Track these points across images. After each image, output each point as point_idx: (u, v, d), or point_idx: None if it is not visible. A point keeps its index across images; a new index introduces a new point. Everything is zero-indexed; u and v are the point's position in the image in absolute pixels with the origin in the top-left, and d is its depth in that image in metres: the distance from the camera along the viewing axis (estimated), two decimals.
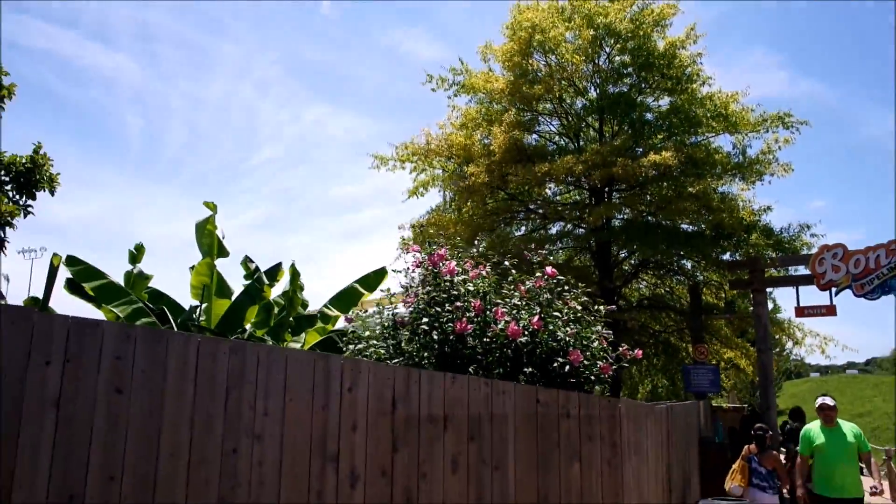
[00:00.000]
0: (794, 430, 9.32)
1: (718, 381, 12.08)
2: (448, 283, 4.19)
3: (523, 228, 15.09)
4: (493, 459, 4.00)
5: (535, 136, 14.32)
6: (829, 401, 6.18)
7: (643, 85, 13.18)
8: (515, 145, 12.17)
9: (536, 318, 4.08)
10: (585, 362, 4.17)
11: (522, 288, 4.44)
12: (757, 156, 12.86)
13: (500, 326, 4.05)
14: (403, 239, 15.31)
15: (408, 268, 4.70)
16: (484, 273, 4.44)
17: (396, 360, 4.12)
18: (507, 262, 4.92)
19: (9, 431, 3.07)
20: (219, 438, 3.47)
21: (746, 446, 7.82)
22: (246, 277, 7.49)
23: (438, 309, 4.07)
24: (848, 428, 6.12)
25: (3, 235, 5.89)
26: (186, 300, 7.92)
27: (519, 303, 4.33)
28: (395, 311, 4.33)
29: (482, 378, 4.00)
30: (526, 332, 4.06)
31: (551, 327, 4.12)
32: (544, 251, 13.23)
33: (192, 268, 8.27)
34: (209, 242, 7.53)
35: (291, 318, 6.37)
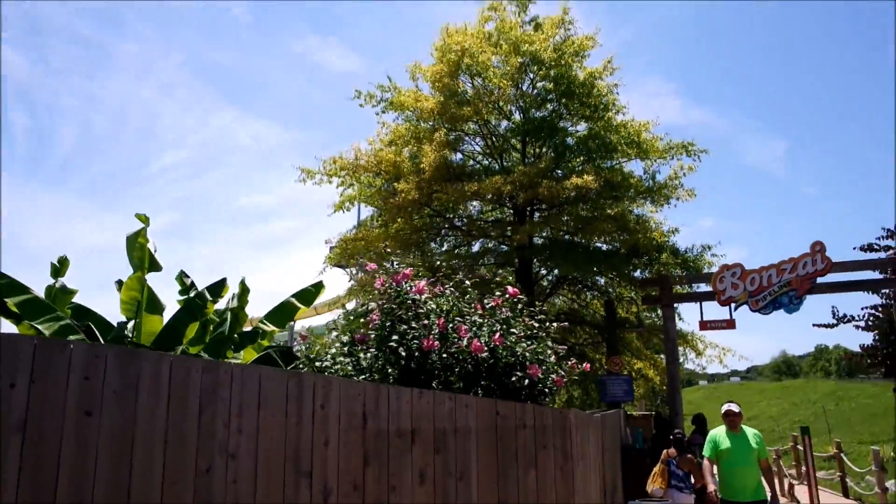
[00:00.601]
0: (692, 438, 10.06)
1: (632, 391, 12.84)
2: (411, 302, 4.35)
3: (445, 245, 15.44)
4: (458, 470, 4.18)
5: (459, 155, 14.74)
6: (734, 407, 6.49)
7: (563, 111, 13.92)
8: (445, 164, 12.51)
9: (497, 334, 4.33)
10: (541, 376, 4.46)
11: (479, 306, 4.69)
12: (665, 181, 13.89)
13: (464, 343, 4.26)
14: (329, 254, 15.24)
15: (354, 287, 4.81)
16: (448, 292, 4.64)
17: (362, 377, 4.23)
18: (467, 281, 5.15)
19: None
20: (192, 457, 3.45)
21: (665, 451, 8.42)
22: (181, 293, 7.26)
23: (405, 327, 4.23)
24: (751, 434, 6.41)
25: None
26: (111, 316, 7.57)
27: (480, 320, 4.56)
28: (352, 329, 4.45)
29: (446, 393, 4.19)
30: (487, 348, 4.29)
31: (510, 343, 4.38)
32: (472, 267, 13.63)
33: (119, 282, 7.93)
34: (140, 256, 7.25)
35: (236, 335, 6.27)
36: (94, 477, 3.22)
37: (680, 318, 13.79)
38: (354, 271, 14.91)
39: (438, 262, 12.37)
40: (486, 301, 4.77)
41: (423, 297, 4.40)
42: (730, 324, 12.21)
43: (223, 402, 3.59)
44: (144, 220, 7.29)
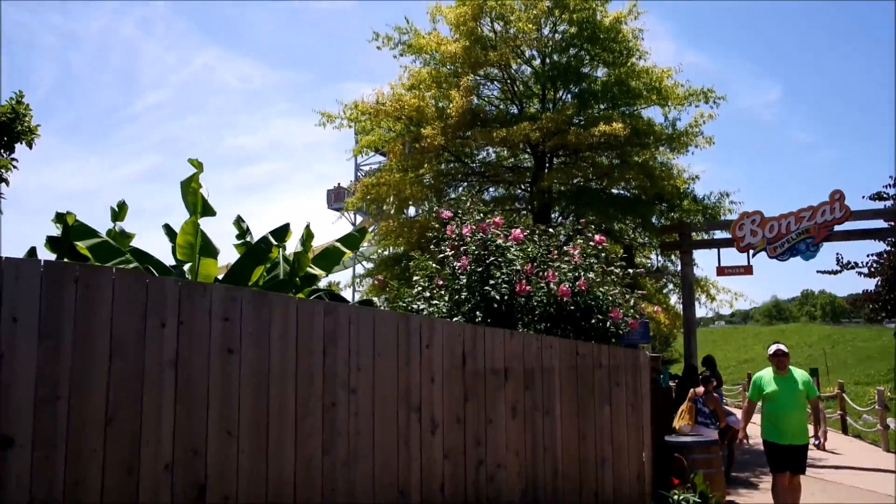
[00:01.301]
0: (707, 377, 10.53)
1: (648, 334, 13.28)
2: (500, 249, 4.56)
3: (460, 190, 15.54)
4: (545, 406, 4.49)
5: (478, 100, 14.67)
6: (783, 347, 6.21)
7: (585, 56, 13.81)
8: (471, 109, 12.48)
9: (581, 280, 4.56)
10: (621, 318, 4.73)
11: (576, 253, 4.90)
12: (685, 128, 13.95)
13: (551, 287, 4.50)
14: (350, 199, 15.32)
15: (453, 235, 5.01)
16: (535, 239, 4.85)
17: (456, 318, 4.48)
18: (551, 229, 5.35)
19: (133, 393, 3.19)
20: (319, 392, 3.72)
21: (692, 389, 8.85)
22: (238, 237, 7.41)
23: (496, 272, 4.45)
24: (799, 375, 6.20)
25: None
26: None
27: (564, 266, 4.79)
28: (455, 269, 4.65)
29: (533, 334, 4.46)
30: (572, 293, 4.53)
31: (595, 289, 4.62)
32: (493, 212, 13.80)
33: (165, 226, 8.07)
34: (194, 201, 7.36)
35: (297, 279, 6.46)
36: (238, 410, 3.48)
37: (695, 264, 14.10)
38: (374, 215, 15.02)
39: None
40: (564, 248, 4.99)
41: (509, 243, 4.61)
42: (747, 269, 12.55)
43: (343, 343, 3.83)
44: (197, 165, 7.36)
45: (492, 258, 4.54)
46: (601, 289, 4.73)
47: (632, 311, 5.04)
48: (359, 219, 45.29)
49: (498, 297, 4.35)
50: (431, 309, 4.50)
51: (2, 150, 5.99)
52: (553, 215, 14.78)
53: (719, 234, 13.92)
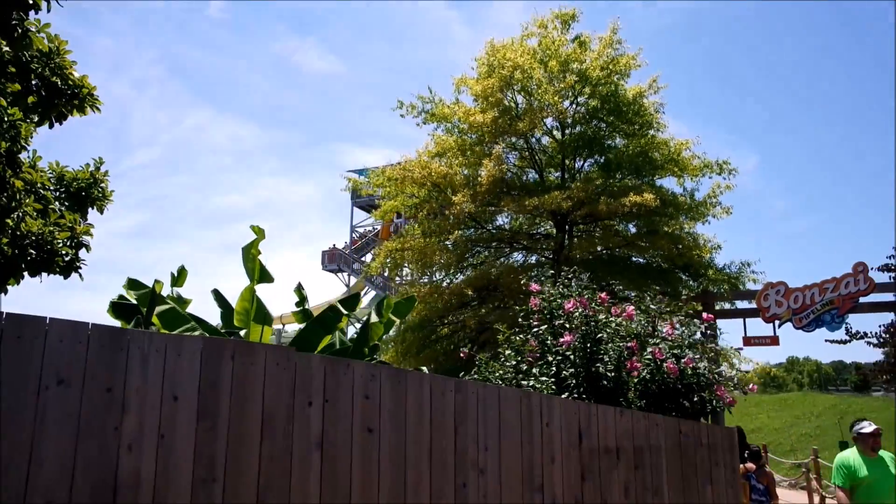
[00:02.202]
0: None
1: None
2: (606, 325, 4.58)
3: (484, 255, 15.66)
4: (653, 485, 4.40)
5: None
6: (878, 427, 5.48)
7: (607, 128, 14.27)
8: (502, 178, 12.74)
9: (688, 357, 4.57)
10: (725, 395, 4.72)
11: (671, 327, 4.93)
12: (704, 198, 14.31)
13: (663, 365, 4.50)
14: (372, 263, 15.36)
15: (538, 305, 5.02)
16: (636, 314, 4.88)
17: (563, 395, 4.44)
18: (653, 306, 5.38)
19: (282, 472, 3.11)
20: (451, 473, 3.63)
21: (742, 465, 8.72)
22: (297, 304, 7.36)
23: (598, 347, 4.45)
24: (888, 458, 5.45)
25: (79, 258, 5.53)
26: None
27: (669, 343, 4.80)
28: (556, 345, 4.65)
29: (641, 412, 4.41)
30: (679, 370, 4.53)
31: (697, 366, 4.63)
32: (518, 278, 13.85)
33: (214, 291, 8.02)
34: (252, 267, 7.37)
35: (366, 349, 6.40)
36: (378, 490, 3.38)
37: (720, 333, 14.16)
38: (398, 279, 15.04)
39: (494, 275, 12.58)
40: (659, 320, 5.01)
41: (611, 319, 4.63)
42: (774, 340, 12.62)
43: (472, 421, 3.77)
44: (258, 231, 7.41)
45: (600, 335, 4.55)
46: (701, 364, 4.74)
47: (732, 387, 5.03)
48: (353, 280, 45.23)
49: (609, 375, 4.33)
50: (539, 386, 4.46)
51: (78, 216, 5.99)
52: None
53: (740, 304, 14.05)
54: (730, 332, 14.38)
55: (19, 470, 2.56)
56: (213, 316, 9.67)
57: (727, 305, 14.06)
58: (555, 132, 14.81)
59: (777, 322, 12.58)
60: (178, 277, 7.18)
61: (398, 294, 14.74)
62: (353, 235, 47.01)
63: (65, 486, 2.62)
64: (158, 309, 6.13)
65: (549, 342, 4.90)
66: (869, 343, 19.29)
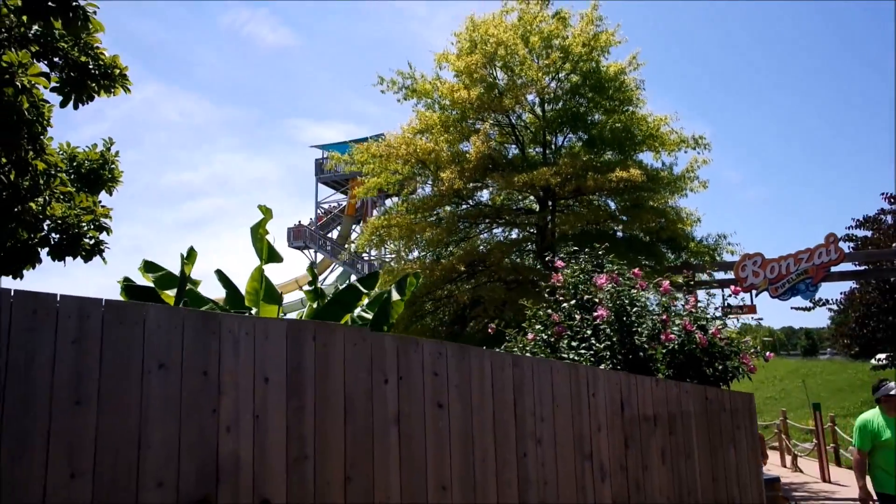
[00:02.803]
0: None
1: None
2: (636, 298, 4.76)
3: (469, 232, 15.76)
4: (685, 450, 4.65)
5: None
6: None
7: (590, 105, 14.44)
8: (489, 154, 12.82)
9: (715, 328, 4.80)
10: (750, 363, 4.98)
11: (694, 299, 5.15)
12: (681, 173, 14.68)
13: (693, 336, 4.72)
14: (358, 239, 15.30)
15: (561, 281, 5.17)
16: (662, 290, 5.07)
17: (601, 366, 4.62)
18: (679, 279, 5.58)
19: (364, 450, 3.21)
20: (513, 444, 3.77)
21: None
22: (310, 283, 7.36)
23: (634, 320, 4.64)
24: None
25: (102, 241, 5.42)
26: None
27: (693, 315, 5.02)
28: (592, 319, 4.81)
29: (672, 380, 4.63)
30: (707, 341, 4.76)
31: (723, 336, 4.87)
32: (506, 254, 14.04)
33: (218, 272, 7.96)
34: (261, 247, 7.36)
35: (385, 327, 6.46)
36: (450, 464, 3.51)
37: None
38: (386, 256, 15.06)
39: (483, 250, 12.73)
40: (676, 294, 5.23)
41: (642, 293, 4.82)
42: (751, 309, 13.14)
43: (528, 394, 3.91)
44: (265, 211, 7.37)
45: (635, 308, 4.73)
46: (724, 333, 4.99)
47: (756, 355, 5.30)
48: (319, 257, 44.81)
49: (646, 347, 4.53)
50: (578, 358, 4.63)
51: (95, 198, 5.87)
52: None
53: (722, 275, 14.55)
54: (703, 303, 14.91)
55: (129, 452, 2.59)
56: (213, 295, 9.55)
57: (704, 277, 14.55)
58: (535, 108, 14.92)
59: (754, 291, 13.11)
60: (188, 259, 7.10)
61: (385, 271, 14.77)
62: (318, 212, 46.46)
63: (172, 468, 2.66)
64: (173, 290, 6.07)
65: (576, 316, 5.07)
66: (831, 310, 20.25)
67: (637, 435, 4.41)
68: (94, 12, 3.34)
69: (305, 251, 45.31)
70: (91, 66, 4.39)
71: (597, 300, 4.92)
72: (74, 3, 3.14)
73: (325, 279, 41.01)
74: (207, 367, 2.81)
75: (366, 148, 14.14)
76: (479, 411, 3.64)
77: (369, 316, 6.41)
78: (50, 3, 3.21)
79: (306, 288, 7.49)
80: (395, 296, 6.32)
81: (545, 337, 5.04)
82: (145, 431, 2.63)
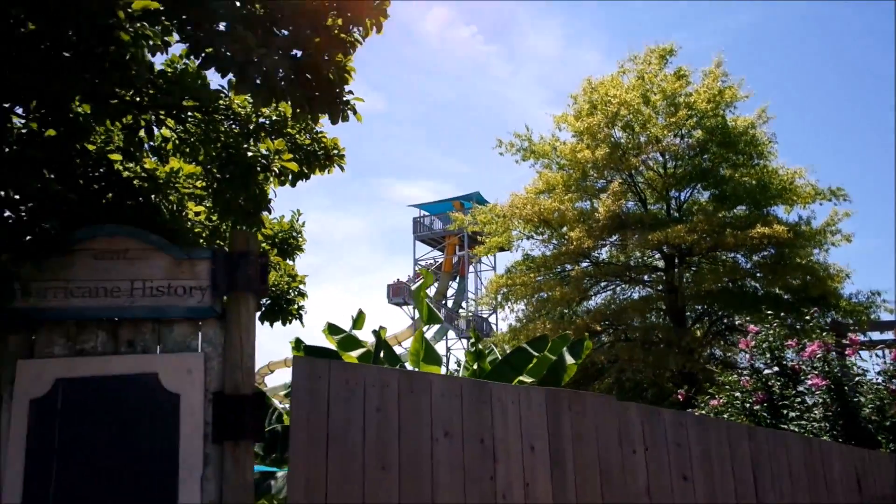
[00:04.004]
0: None
1: None
2: (849, 367, 4.51)
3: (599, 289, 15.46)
4: None
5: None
6: None
7: (718, 160, 14.10)
8: (617, 213, 12.73)
9: None
10: None
11: None
12: (821, 226, 13.89)
13: None
14: (482, 297, 15.45)
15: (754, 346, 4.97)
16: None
17: (824, 436, 4.36)
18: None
19: None
20: None
21: None
22: (472, 345, 7.49)
23: (855, 389, 4.37)
24: None
25: (301, 305, 5.78)
26: None
27: None
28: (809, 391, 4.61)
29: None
30: None
31: None
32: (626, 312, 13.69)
33: (374, 332, 8.21)
34: (421, 308, 7.57)
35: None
36: None
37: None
38: (507, 312, 15.08)
39: (614, 308, 12.49)
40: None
41: (849, 360, 4.56)
42: None
43: (766, 467, 3.73)
44: (427, 275, 7.61)
45: (857, 378, 4.47)
46: None
47: None
48: (417, 313, 45.38)
49: (873, 419, 4.25)
50: (799, 430, 4.39)
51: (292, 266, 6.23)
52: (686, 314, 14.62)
53: (878, 336, 13.44)
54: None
55: None
56: None
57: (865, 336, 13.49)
58: (655, 165, 14.73)
59: None
60: (357, 320, 7.41)
61: (510, 331, 14.73)
62: (416, 268, 47.41)
63: None
64: (359, 352, 6.34)
65: (776, 383, 4.83)
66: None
67: None
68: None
69: (404, 307, 46.18)
70: (317, 149, 4.79)
71: (797, 366, 4.68)
72: (344, 99, 3.48)
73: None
74: (483, 435, 2.89)
75: (490, 209, 14.44)
76: (722, 485, 3.50)
77: (528, 380, 6.37)
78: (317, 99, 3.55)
79: (469, 349, 7.59)
80: (569, 359, 6.27)
81: (740, 404, 4.82)
82: (435, 496, 2.72)
